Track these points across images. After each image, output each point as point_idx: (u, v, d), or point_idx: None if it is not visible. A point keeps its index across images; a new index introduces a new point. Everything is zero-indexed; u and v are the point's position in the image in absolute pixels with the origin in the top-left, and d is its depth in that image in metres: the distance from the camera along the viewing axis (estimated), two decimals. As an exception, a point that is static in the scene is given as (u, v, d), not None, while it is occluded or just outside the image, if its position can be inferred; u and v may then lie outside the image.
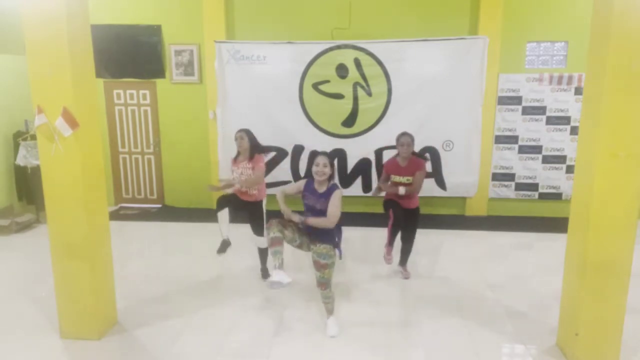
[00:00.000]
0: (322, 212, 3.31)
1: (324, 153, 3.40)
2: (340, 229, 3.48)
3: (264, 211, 4.36)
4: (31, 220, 6.31)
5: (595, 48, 3.00)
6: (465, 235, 6.07)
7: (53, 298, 3.51)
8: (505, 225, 6.42)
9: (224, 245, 4.36)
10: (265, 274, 4.51)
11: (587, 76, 3.13)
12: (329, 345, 3.45)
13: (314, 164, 3.33)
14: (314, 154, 3.55)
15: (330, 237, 3.38)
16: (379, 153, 6.54)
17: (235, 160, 4.28)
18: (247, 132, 4.19)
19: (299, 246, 3.49)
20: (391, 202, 4.44)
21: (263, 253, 4.48)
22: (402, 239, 4.58)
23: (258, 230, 4.32)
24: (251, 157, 4.15)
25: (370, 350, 3.39)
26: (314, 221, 3.28)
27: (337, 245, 3.44)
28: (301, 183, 3.52)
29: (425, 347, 3.44)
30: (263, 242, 4.31)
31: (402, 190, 4.22)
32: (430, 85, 6.36)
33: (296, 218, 3.32)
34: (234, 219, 4.33)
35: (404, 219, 4.39)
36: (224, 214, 4.25)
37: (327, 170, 3.30)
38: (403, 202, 4.39)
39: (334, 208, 3.27)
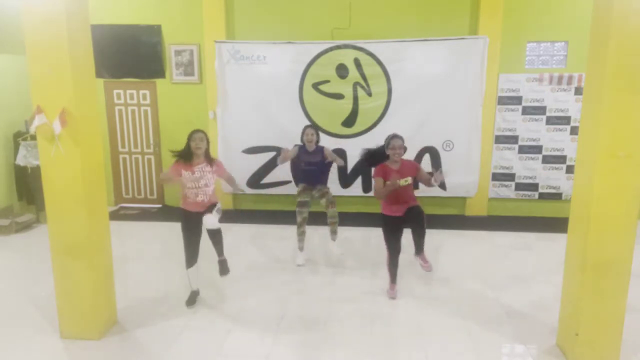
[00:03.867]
0: (319, 163, 4.78)
1: (310, 126, 4.95)
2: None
3: (217, 205, 3.96)
4: (31, 220, 6.31)
5: (595, 48, 3.00)
6: (465, 235, 6.07)
7: (53, 298, 3.51)
8: (505, 225, 6.42)
9: (194, 296, 4.12)
10: (224, 266, 3.96)
11: (587, 76, 3.13)
12: (328, 346, 3.45)
13: (304, 134, 4.81)
14: (304, 128, 4.89)
15: (323, 182, 4.90)
16: (379, 153, 6.54)
17: (187, 163, 3.84)
18: (206, 135, 3.91)
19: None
20: (390, 221, 4.08)
21: (215, 236, 3.89)
22: (413, 234, 4.12)
23: (209, 211, 3.85)
24: (209, 160, 3.88)
25: (370, 351, 3.39)
26: (332, 156, 4.86)
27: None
28: (295, 150, 4.87)
29: (425, 347, 3.44)
30: (212, 221, 3.82)
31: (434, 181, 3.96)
32: (430, 85, 6.36)
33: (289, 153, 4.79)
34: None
35: (407, 219, 4.07)
36: (195, 270, 4.05)
37: (314, 137, 4.80)
38: (402, 208, 4.03)
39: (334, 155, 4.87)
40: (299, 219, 4.84)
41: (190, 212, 3.93)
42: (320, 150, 4.80)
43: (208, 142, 3.91)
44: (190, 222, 3.95)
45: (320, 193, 4.80)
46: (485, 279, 4.65)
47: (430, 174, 4.10)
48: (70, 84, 3.15)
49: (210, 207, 3.92)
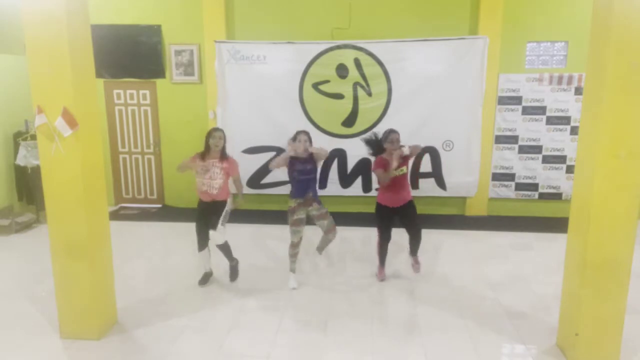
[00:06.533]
0: (312, 170, 4.27)
1: (303, 131, 4.27)
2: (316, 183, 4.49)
3: (225, 210, 4.29)
4: (31, 220, 6.31)
5: (595, 48, 3.01)
6: (465, 235, 6.07)
7: (53, 298, 3.51)
8: (505, 225, 6.42)
9: (206, 277, 4.51)
10: (233, 271, 4.54)
11: (587, 76, 3.13)
12: (328, 346, 3.45)
13: (296, 140, 4.19)
14: (296, 133, 4.26)
15: (316, 195, 4.37)
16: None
17: (203, 157, 4.22)
18: (224, 134, 4.31)
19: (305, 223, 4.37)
20: (384, 210, 4.42)
21: (222, 248, 4.38)
22: (409, 235, 4.50)
23: (214, 224, 4.20)
24: (222, 157, 4.23)
25: (370, 350, 3.39)
26: (316, 150, 4.24)
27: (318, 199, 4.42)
28: (287, 159, 4.23)
29: (425, 347, 3.44)
30: (218, 237, 4.25)
31: (406, 150, 4.26)
32: (430, 85, 6.36)
33: (292, 151, 4.17)
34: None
35: (401, 218, 4.43)
36: (205, 254, 4.45)
37: (308, 144, 4.20)
38: (397, 199, 4.36)
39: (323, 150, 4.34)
40: (294, 239, 4.32)
41: (201, 201, 4.32)
42: (310, 156, 4.28)
43: (225, 141, 4.29)
44: (200, 209, 4.34)
45: (319, 214, 4.33)
46: (485, 279, 4.65)
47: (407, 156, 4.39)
48: (70, 84, 3.15)
49: (215, 214, 4.21)
